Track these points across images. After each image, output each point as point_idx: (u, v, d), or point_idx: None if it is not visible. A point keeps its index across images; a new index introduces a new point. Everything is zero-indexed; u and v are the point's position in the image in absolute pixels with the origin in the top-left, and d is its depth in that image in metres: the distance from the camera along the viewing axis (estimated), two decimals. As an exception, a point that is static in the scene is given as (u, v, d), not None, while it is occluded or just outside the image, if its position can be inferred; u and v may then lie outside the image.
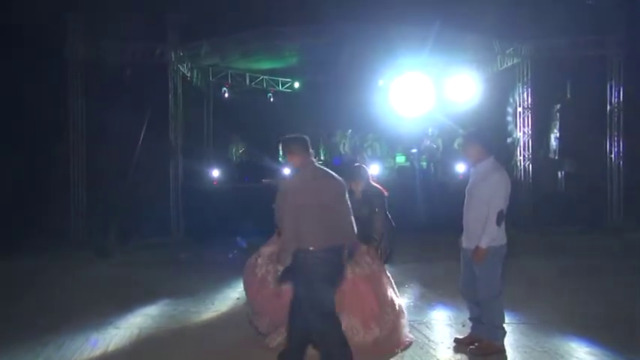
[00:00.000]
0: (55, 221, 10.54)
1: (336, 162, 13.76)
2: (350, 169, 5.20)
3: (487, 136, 4.42)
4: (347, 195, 3.70)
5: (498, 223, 4.10)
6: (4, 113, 10.38)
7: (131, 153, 10.68)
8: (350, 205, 3.68)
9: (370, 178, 5.10)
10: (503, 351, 4.29)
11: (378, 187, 5.08)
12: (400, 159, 13.76)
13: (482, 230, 4.12)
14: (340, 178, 3.72)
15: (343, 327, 3.75)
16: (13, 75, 10.18)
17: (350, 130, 13.77)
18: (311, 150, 3.73)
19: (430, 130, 13.23)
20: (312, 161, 3.71)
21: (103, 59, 11.01)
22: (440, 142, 13.33)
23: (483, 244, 4.14)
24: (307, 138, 3.76)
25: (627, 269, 6.93)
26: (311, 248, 3.45)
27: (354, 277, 4.32)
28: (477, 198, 4.23)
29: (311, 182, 3.61)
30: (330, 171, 3.75)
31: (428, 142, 13.28)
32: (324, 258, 3.47)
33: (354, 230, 3.67)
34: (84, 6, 10.75)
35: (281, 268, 3.75)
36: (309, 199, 3.50)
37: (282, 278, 3.81)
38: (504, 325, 4.33)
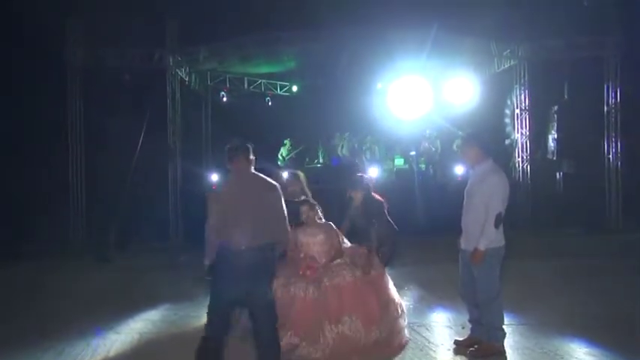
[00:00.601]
0: (54, 226, 10.54)
1: (335, 162, 13.82)
2: (351, 179, 5.29)
3: (485, 138, 4.43)
4: (280, 198, 3.82)
5: (496, 226, 4.11)
6: (4, 117, 10.40)
7: (130, 157, 10.70)
8: (284, 208, 3.81)
9: (372, 188, 5.18)
10: (503, 352, 4.29)
11: (378, 197, 5.17)
12: (399, 161, 13.78)
13: (481, 232, 4.13)
14: (272, 182, 3.86)
15: (346, 329, 3.94)
16: (13, 79, 10.22)
17: (348, 133, 13.82)
18: (252, 157, 3.87)
19: (428, 132, 13.26)
20: (247, 168, 3.84)
21: (102, 64, 11.05)
22: (438, 143, 13.37)
23: (481, 246, 4.14)
24: (250, 147, 3.88)
25: (626, 269, 6.95)
26: (243, 247, 3.64)
27: (354, 279, 4.34)
28: (475, 200, 4.24)
29: (237, 186, 3.83)
30: (262, 176, 3.89)
31: (426, 144, 13.31)
32: (251, 256, 3.64)
33: (282, 230, 3.81)
34: (83, 11, 10.79)
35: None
36: (233, 202, 3.71)
37: (208, 274, 3.91)
38: (504, 327, 4.35)
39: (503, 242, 4.27)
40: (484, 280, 4.24)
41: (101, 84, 11.06)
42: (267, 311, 3.75)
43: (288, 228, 3.89)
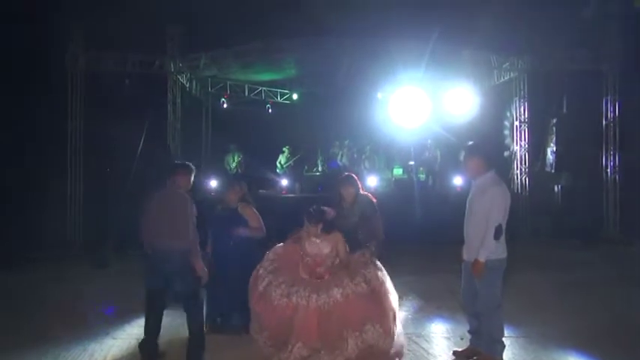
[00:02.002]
0: (52, 230, 10.50)
1: (334, 165, 13.88)
2: (340, 178, 5.57)
3: (488, 149, 4.48)
4: (186, 208, 4.44)
5: (496, 237, 4.12)
6: (4, 122, 10.39)
7: (129, 163, 10.69)
8: (189, 216, 4.44)
9: (361, 187, 5.40)
10: None
11: (368, 194, 5.41)
12: (397, 171, 13.82)
13: (481, 243, 4.15)
14: (183, 195, 4.50)
15: (369, 337, 4.05)
16: (14, 83, 10.22)
17: (347, 141, 13.84)
18: (191, 178, 4.68)
19: (429, 142, 13.29)
20: (172, 183, 4.56)
21: (104, 69, 11.07)
22: (438, 153, 13.40)
23: (481, 258, 4.16)
24: (192, 168, 4.70)
25: (625, 281, 6.96)
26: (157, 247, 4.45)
27: (363, 289, 4.28)
28: (476, 211, 4.26)
29: (161, 196, 4.55)
30: (181, 193, 4.53)
31: (427, 154, 13.35)
32: (157, 257, 4.46)
33: (187, 234, 4.42)
34: (85, 17, 10.83)
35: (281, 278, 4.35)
36: (154, 209, 4.50)
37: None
38: (503, 339, 4.34)
39: (505, 255, 4.27)
40: (484, 292, 4.25)
41: (102, 89, 11.07)
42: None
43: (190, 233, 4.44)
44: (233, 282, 4.91)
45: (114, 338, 5.13)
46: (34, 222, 10.19)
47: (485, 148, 4.48)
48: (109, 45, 11.11)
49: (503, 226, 4.17)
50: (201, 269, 4.51)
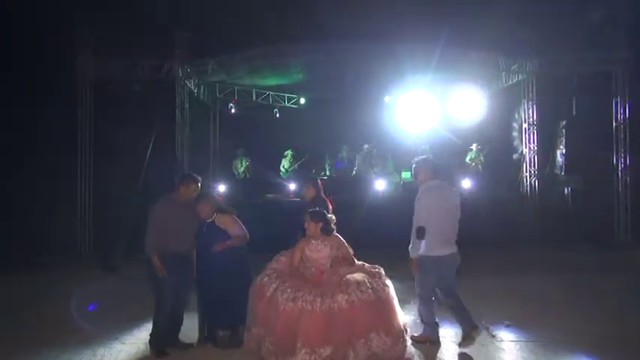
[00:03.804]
0: (61, 235, 10.57)
1: (339, 165, 13.89)
2: (305, 179, 6.10)
3: (434, 162, 5.10)
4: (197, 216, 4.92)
5: (419, 237, 4.65)
6: (15, 127, 10.51)
7: (139, 167, 10.75)
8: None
9: (322, 190, 5.81)
10: (438, 342, 4.83)
11: (327, 199, 5.81)
12: (406, 174, 13.75)
13: (411, 242, 4.77)
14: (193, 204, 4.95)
15: (374, 345, 4.11)
16: (25, 89, 10.34)
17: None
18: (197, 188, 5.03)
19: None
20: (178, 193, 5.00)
21: (113, 75, 11.15)
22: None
23: (411, 254, 4.77)
24: (198, 179, 5.06)
25: (635, 286, 6.87)
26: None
27: (370, 296, 4.28)
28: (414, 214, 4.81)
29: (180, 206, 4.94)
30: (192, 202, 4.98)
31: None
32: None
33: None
34: (94, 23, 10.94)
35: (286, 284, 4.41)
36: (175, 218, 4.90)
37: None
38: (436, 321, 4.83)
39: (436, 253, 4.68)
40: (418, 283, 4.82)
41: (111, 95, 11.16)
42: None
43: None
44: (226, 294, 4.82)
45: (123, 343, 5.16)
46: (44, 227, 10.28)
47: (432, 161, 5.13)
48: (118, 51, 11.19)
49: (434, 230, 4.63)
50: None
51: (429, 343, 4.82)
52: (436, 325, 4.88)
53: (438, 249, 4.68)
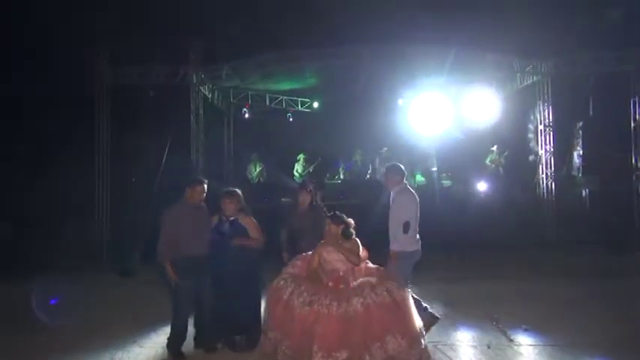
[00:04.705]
0: (79, 239, 10.71)
1: (350, 167, 13.93)
2: (300, 185, 6.09)
3: (402, 169, 5.41)
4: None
5: (405, 232, 4.99)
6: (34, 134, 10.71)
7: (154, 172, 10.86)
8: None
9: (320, 196, 5.95)
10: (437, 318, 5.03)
11: (322, 207, 5.80)
12: (419, 178, 13.70)
13: (394, 238, 5.04)
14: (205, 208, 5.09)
15: (390, 348, 4.06)
16: (45, 96, 10.54)
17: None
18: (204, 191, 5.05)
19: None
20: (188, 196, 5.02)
21: (129, 81, 11.31)
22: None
23: (395, 248, 5.03)
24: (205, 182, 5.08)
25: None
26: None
27: (385, 299, 4.26)
28: (392, 213, 5.12)
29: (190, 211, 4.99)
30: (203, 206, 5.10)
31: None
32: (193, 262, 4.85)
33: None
34: (111, 31, 11.11)
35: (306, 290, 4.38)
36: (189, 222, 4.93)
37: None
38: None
39: (412, 248, 5.09)
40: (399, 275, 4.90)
41: (127, 101, 11.31)
42: None
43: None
44: (238, 296, 4.85)
45: (141, 346, 5.20)
46: (62, 231, 10.44)
47: (400, 168, 5.38)
48: (134, 58, 11.36)
49: (412, 224, 5.03)
50: None
51: (431, 325, 4.97)
52: (426, 308, 5.04)
53: (412, 245, 5.11)
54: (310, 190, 5.82)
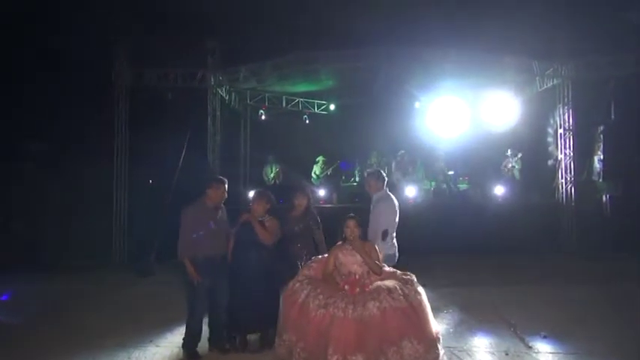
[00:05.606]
0: (96, 239, 10.84)
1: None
2: (296, 187, 5.92)
3: (384, 175, 5.51)
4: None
5: (383, 239, 5.06)
6: (53, 136, 10.89)
7: (172, 173, 10.96)
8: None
9: (313, 198, 5.86)
10: None
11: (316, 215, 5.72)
12: (429, 184, 13.59)
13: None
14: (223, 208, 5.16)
15: (406, 353, 4.03)
16: (63, 99, 10.71)
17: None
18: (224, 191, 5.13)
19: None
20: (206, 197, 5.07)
21: (147, 83, 11.44)
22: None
23: None
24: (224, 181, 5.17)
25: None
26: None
27: (408, 304, 4.22)
28: (372, 218, 5.20)
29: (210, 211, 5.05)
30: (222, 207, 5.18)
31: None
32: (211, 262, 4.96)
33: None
34: (129, 34, 11.26)
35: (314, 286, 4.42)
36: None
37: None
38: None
39: (392, 251, 5.21)
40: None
41: (145, 102, 11.43)
42: None
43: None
44: (259, 296, 4.87)
45: (157, 346, 5.24)
46: (80, 231, 10.59)
47: (381, 174, 5.49)
48: (152, 60, 11.49)
49: (390, 231, 5.14)
50: None
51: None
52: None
53: (389, 249, 5.19)
54: (308, 194, 5.79)
